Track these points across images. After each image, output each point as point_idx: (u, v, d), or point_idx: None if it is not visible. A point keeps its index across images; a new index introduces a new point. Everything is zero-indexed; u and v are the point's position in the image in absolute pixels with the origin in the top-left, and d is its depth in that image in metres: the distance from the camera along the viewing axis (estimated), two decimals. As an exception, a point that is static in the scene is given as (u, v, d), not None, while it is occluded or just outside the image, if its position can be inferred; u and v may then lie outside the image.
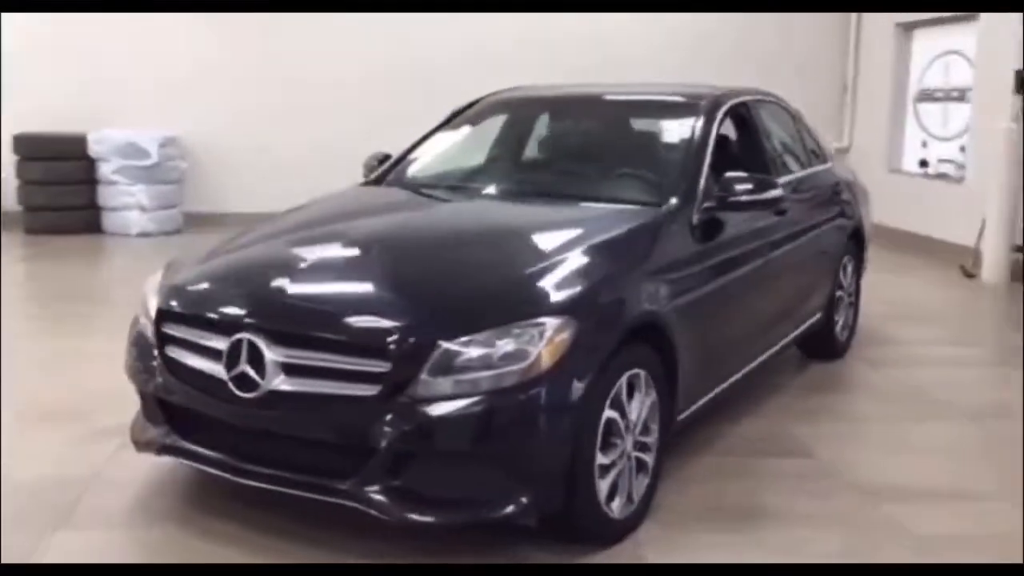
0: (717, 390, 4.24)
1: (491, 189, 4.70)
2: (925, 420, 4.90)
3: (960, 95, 9.73)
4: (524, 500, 3.15)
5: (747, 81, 5.98)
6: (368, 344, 3.18)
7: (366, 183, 4.92)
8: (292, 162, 10.53)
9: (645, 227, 3.89)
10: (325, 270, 3.64)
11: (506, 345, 3.14)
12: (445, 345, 3.13)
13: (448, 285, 3.42)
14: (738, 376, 4.46)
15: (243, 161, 10.61)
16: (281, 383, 3.24)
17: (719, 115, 4.63)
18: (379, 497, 3.13)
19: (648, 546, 3.46)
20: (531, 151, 5.03)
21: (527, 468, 3.16)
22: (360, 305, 3.36)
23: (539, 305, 3.28)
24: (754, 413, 4.82)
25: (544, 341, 3.15)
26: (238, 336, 3.30)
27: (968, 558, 3.41)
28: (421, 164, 4.97)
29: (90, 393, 4.95)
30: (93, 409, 4.71)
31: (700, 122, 4.53)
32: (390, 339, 3.15)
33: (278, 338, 3.26)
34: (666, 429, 3.74)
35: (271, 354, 3.24)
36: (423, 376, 3.11)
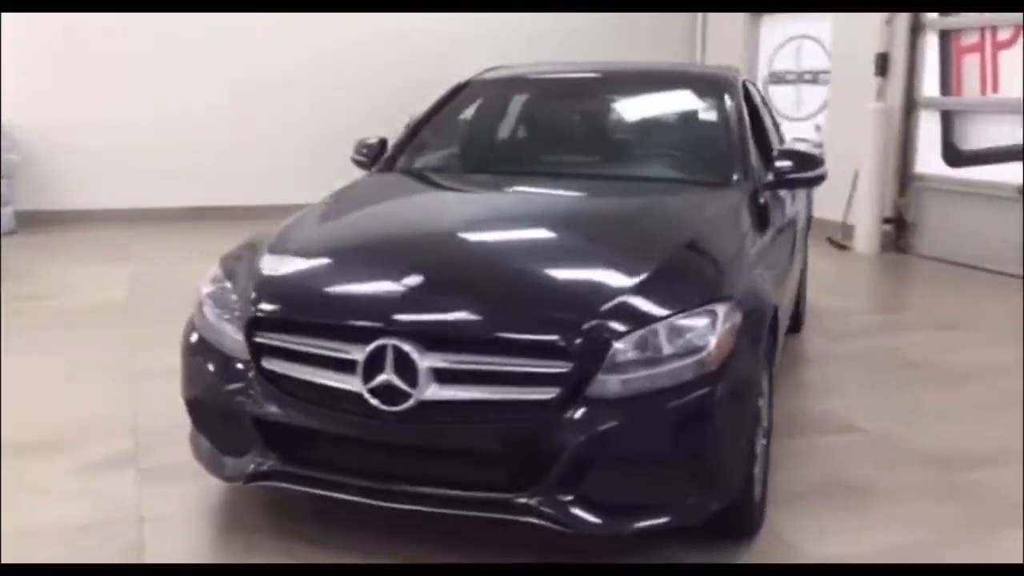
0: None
1: (542, 171, 4.44)
2: (926, 385, 5.08)
3: (813, 77, 10.25)
4: (702, 499, 2.97)
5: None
6: (550, 343, 2.88)
7: (381, 170, 4.49)
8: (137, 155, 9.67)
9: (738, 206, 3.78)
10: (458, 266, 3.27)
11: (682, 336, 2.93)
12: (621, 341, 2.88)
13: (602, 276, 3.16)
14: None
15: (84, 155, 9.60)
16: (434, 392, 2.88)
17: (741, 91, 4.58)
18: (555, 509, 2.85)
19: (790, 533, 3.36)
20: (562, 131, 4.78)
21: (709, 465, 2.98)
22: (529, 301, 3.04)
23: (704, 291, 3.09)
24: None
25: (718, 329, 2.97)
26: (380, 343, 2.90)
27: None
28: (443, 149, 4.61)
29: (57, 418, 4.29)
30: (71, 438, 4.07)
31: (729, 98, 4.46)
32: (572, 336, 2.87)
33: (431, 343, 2.90)
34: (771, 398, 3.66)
35: (424, 361, 2.87)
36: (600, 375, 2.85)
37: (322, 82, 10.28)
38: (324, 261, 3.39)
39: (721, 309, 3.01)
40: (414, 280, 3.07)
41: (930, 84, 8.81)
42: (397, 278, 3.09)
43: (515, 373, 2.87)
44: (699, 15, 11.57)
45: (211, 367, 3.21)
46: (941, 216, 8.66)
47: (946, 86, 8.69)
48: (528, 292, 3.11)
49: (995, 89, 8.27)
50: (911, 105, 8.91)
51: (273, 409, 3.06)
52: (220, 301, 3.28)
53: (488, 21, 10.46)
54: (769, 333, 3.39)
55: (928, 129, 8.82)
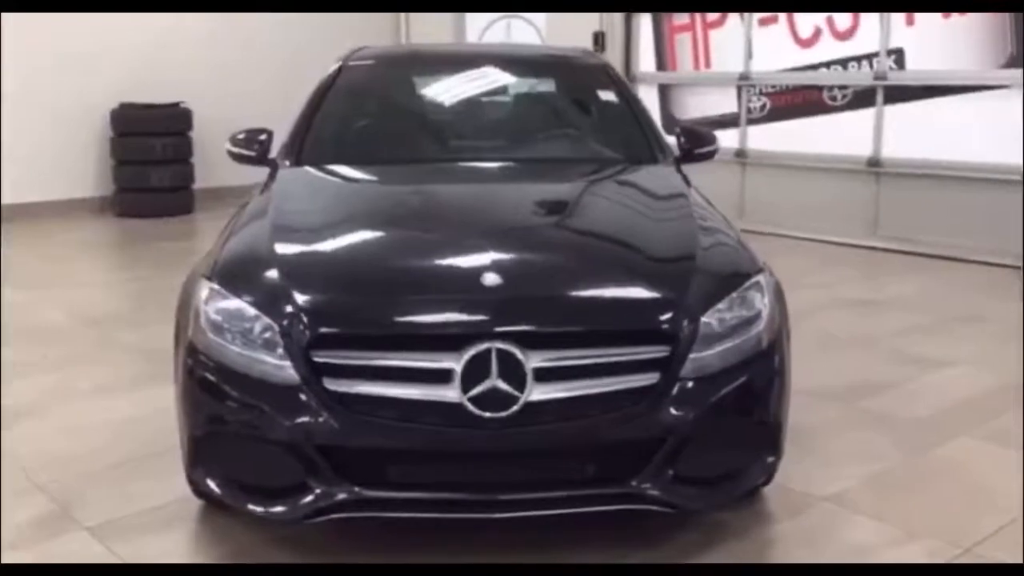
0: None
1: (470, 156, 4.32)
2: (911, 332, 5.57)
3: (525, 55, 10.64)
4: (775, 457, 3.13)
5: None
6: (649, 329, 2.88)
7: (292, 165, 4.07)
8: None
9: (684, 180, 3.95)
10: (531, 260, 3.15)
11: (745, 308, 3.06)
12: (705, 318, 2.95)
13: (666, 258, 3.20)
14: None
15: None
16: (538, 393, 2.77)
17: (615, 71, 4.75)
18: (663, 491, 2.88)
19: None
20: (472, 115, 4.61)
21: (777, 423, 3.13)
22: (618, 289, 3.01)
23: (745, 264, 3.23)
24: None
25: (766, 297, 3.13)
26: (482, 347, 2.73)
27: None
28: (340, 139, 4.29)
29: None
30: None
31: (617, 78, 4.61)
32: (668, 320, 2.89)
33: (532, 342, 2.77)
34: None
35: (529, 361, 2.75)
36: (693, 354, 2.90)
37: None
38: (378, 267, 3.11)
39: (762, 278, 3.18)
40: (494, 279, 2.91)
41: (646, 60, 9.54)
42: (475, 279, 2.92)
43: (614, 363, 2.84)
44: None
45: (240, 396, 2.84)
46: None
47: (661, 62, 9.46)
48: (613, 280, 3.08)
49: (707, 65, 9.14)
50: (629, 79, 9.59)
51: (344, 433, 2.77)
52: (235, 321, 2.89)
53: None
54: None
55: (648, 101, 9.55)
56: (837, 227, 8.14)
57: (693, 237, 3.27)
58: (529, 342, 2.78)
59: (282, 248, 3.15)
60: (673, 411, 2.85)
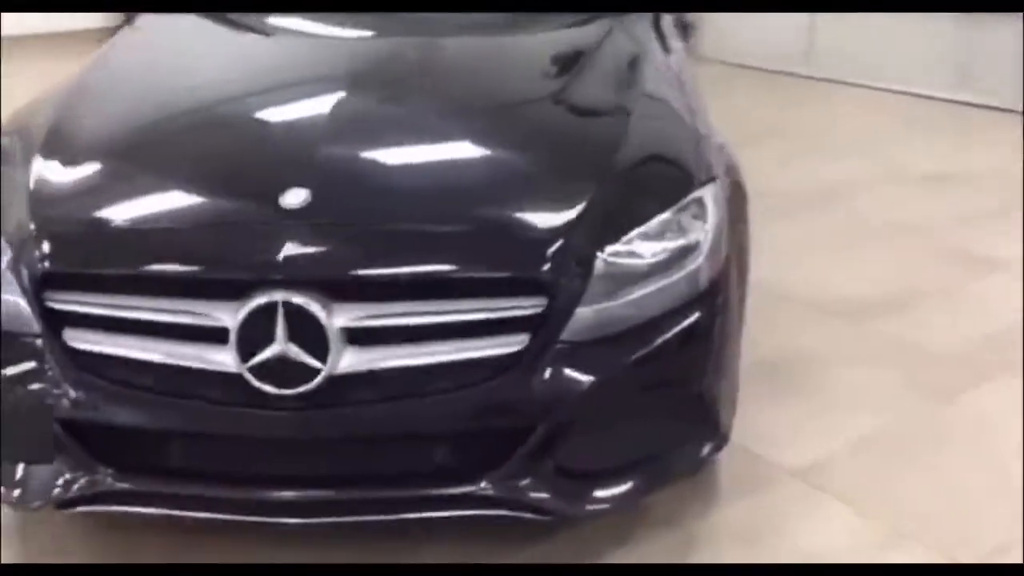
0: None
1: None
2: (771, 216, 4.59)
3: None
4: (708, 446, 2.31)
5: None
6: (511, 275, 2.04)
7: None
8: None
9: (657, 41, 2.98)
10: (359, 176, 2.26)
11: (675, 236, 2.18)
12: (605, 255, 2.10)
13: (561, 164, 2.28)
14: None
15: None
16: (349, 362, 1.99)
17: None
18: (536, 493, 2.10)
19: (752, 439, 2.81)
20: None
21: (709, 399, 2.29)
22: (473, 219, 2.13)
23: (683, 171, 2.33)
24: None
25: (710, 220, 2.24)
26: (263, 300, 1.95)
27: None
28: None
29: None
30: None
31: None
32: (542, 261, 2.04)
33: (339, 292, 1.98)
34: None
35: (332, 319, 1.96)
36: (583, 308, 2.07)
37: None
38: (145, 174, 2.27)
39: (708, 192, 2.28)
40: (297, 199, 2.08)
41: None
42: (271, 197, 2.09)
43: (460, 323, 2.02)
44: None
45: None
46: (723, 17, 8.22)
47: None
48: (467, 206, 2.18)
49: None
50: None
51: (89, 405, 2.05)
52: None
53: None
54: None
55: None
56: (922, 77, 6.90)
57: (617, 134, 2.35)
58: (336, 293, 1.98)
59: (53, 134, 2.38)
60: (547, 388, 2.05)
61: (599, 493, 2.17)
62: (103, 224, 2.15)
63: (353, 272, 2.01)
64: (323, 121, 2.33)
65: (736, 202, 2.42)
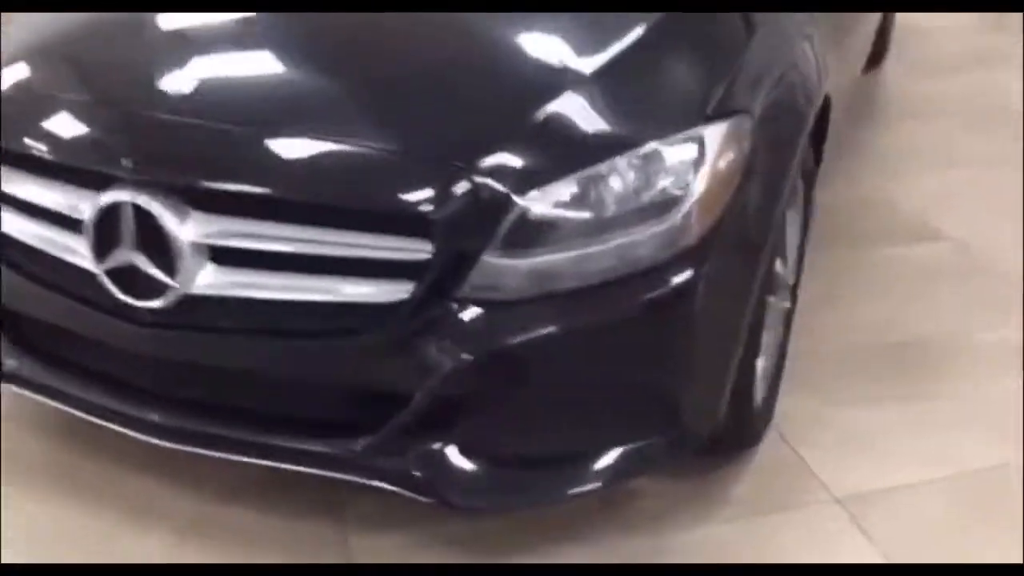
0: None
1: None
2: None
3: None
4: (665, 441, 1.84)
5: None
6: (395, 210, 1.65)
7: None
8: None
9: None
10: (241, 71, 1.91)
11: (641, 187, 1.67)
12: (526, 199, 1.63)
13: (496, 95, 1.80)
14: None
15: None
16: (207, 281, 1.70)
17: None
18: (418, 471, 1.75)
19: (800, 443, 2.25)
20: None
21: (678, 392, 1.81)
22: (371, 135, 1.71)
23: (681, 106, 1.78)
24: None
25: (704, 172, 1.70)
26: (114, 197, 1.69)
27: None
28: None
29: None
30: None
31: None
32: (432, 199, 1.63)
33: (200, 200, 1.68)
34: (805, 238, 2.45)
35: (185, 230, 1.67)
36: (488, 258, 1.64)
37: None
38: (32, 55, 2.01)
39: (715, 134, 1.73)
40: (174, 90, 1.77)
41: None
42: (146, 87, 1.79)
43: (337, 259, 1.66)
44: None
45: None
46: None
47: None
48: (362, 125, 1.74)
49: None
50: None
51: (13, 291, 1.92)
52: None
53: None
54: (810, 141, 2.13)
55: None
56: None
57: (579, 52, 1.82)
58: (196, 202, 1.68)
59: None
60: (432, 351, 1.66)
61: (497, 488, 1.78)
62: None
63: (216, 181, 1.69)
64: (235, 32, 1.96)
65: (777, 139, 1.83)
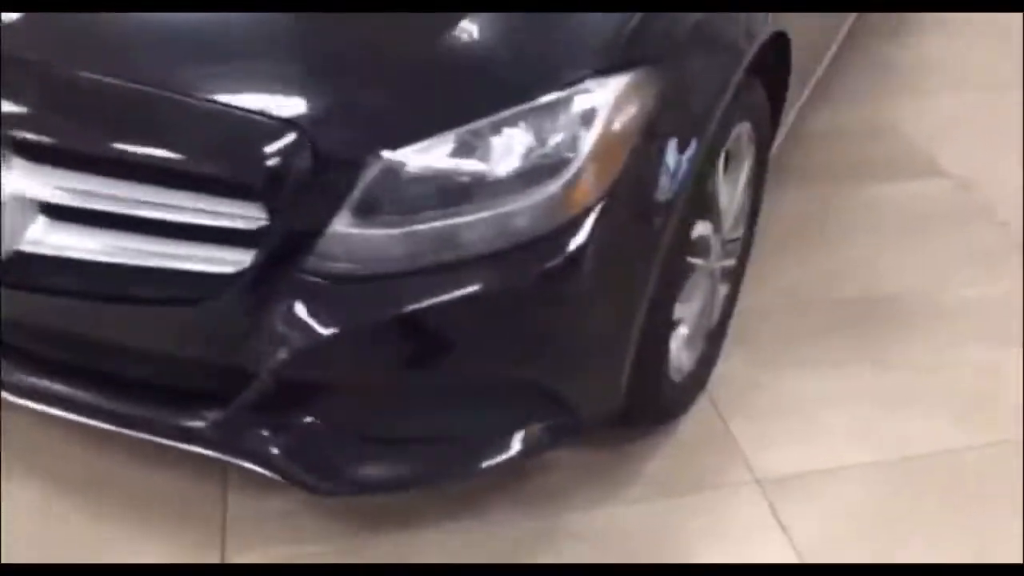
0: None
1: None
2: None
3: None
4: (552, 423, 1.67)
5: None
6: (223, 173, 1.46)
7: None
8: None
9: None
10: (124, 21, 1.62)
11: (516, 148, 1.46)
12: (390, 156, 1.44)
13: (357, 48, 1.56)
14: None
15: None
16: (35, 238, 1.54)
17: None
18: (269, 448, 1.61)
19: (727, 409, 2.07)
20: None
21: (565, 373, 1.63)
22: (204, 92, 1.48)
23: (573, 57, 1.54)
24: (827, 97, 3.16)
25: (595, 132, 1.48)
26: None
27: None
28: None
29: None
30: None
31: None
32: (265, 161, 1.43)
33: (27, 148, 1.50)
34: (760, 185, 2.21)
35: (10, 181, 1.50)
36: (339, 228, 1.45)
37: None
38: None
39: (610, 89, 1.50)
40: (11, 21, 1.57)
41: None
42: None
43: (180, 225, 1.48)
44: None
45: None
46: None
47: None
48: (208, 79, 1.50)
49: None
50: None
51: None
52: None
53: None
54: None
55: None
56: None
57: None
58: (25, 151, 1.50)
59: None
60: (275, 327, 1.49)
61: (360, 470, 1.63)
62: None
63: (42, 132, 1.50)
64: None
65: (700, 104, 1.61)
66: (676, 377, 1.93)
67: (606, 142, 1.50)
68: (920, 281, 2.44)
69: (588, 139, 1.48)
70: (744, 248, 2.20)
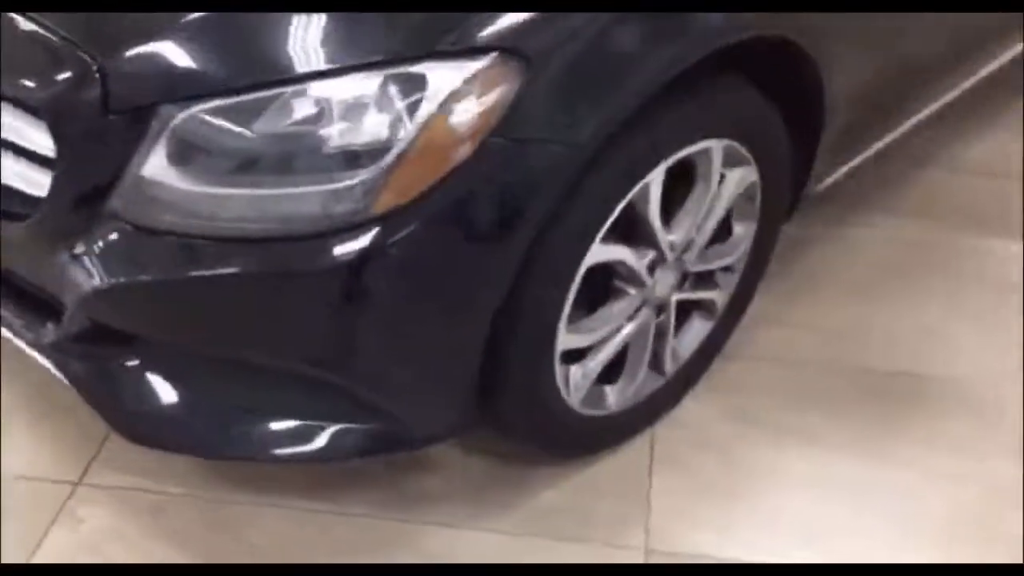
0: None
1: None
2: None
3: None
4: (366, 429, 1.53)
5: None
6: (16, 94, 1.40)
7: None
8: None
9: None
10: None
11: (338, 119, 1.31)
12: (185, 113, 1.33)
13: None
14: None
15: None
16: None
17: None
18: (95, 379, 1.58)
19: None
20: None
21: (367, 382, 1.49)
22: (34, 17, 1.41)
23: (411, 33, 1.34)
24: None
25: (419, 122, 1.30)
26: None
27: None
28: None
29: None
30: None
31: None
32: (51, 84, 1.36)
33: None
34: (775, 220, 1.89)
35: None
36: (144, 173, 1.36)
37: None
38: None
39: (448, 74, 1.30)
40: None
41: None
42: None
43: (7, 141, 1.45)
44: None
45: None
46: None
47: None
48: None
49: None
50: None
51: None
52: None
53: None
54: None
55: None
56: None
57: None
58: None
59: None
60: (72, 262, 1.43)
61: (162, 425, 1.56)
62: None
63: None
64: None
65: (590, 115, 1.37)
66: (587, 410, 1.71)
67: (441, 133, 1.30)
68: (974, 370, 2.00)
69: (409, 130, 1.29)
70: (744, 283, 1.90)
